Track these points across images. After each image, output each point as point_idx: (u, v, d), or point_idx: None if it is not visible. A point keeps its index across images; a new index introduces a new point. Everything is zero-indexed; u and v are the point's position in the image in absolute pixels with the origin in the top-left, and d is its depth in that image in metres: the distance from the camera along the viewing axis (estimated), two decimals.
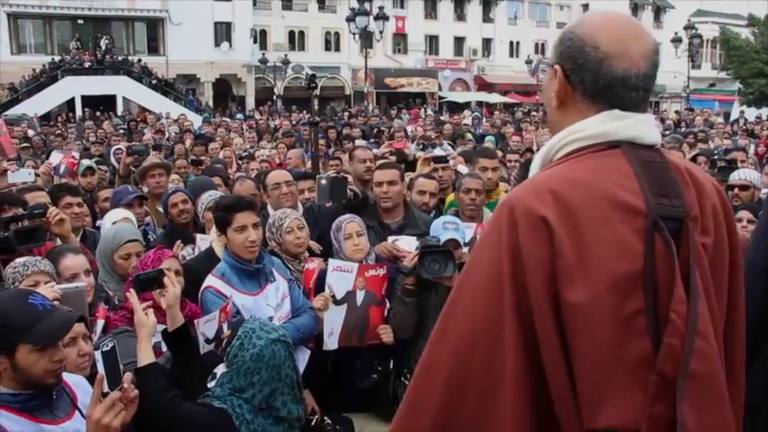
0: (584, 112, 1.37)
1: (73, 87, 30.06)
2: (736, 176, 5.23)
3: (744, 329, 1.43)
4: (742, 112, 24.83)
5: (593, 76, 1.34)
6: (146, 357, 2.61)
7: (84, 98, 29.85)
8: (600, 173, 1.29)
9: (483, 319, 1.27)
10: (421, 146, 10.00)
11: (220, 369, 2.72)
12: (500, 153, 8.65)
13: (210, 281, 3.41)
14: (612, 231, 1.23)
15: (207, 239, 4.21)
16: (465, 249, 4.07)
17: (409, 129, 14.97)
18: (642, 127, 1.36)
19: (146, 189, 5.72)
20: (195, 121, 19.96)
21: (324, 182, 4.33)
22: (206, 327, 2.99)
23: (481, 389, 1.27)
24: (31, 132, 14.50)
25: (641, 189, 1.27)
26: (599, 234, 1.23)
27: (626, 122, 1.34)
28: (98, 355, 2.08)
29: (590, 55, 1.33)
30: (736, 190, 5.04)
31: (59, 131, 15.31)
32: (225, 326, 3.03)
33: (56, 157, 7.96)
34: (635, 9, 44.90)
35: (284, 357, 2.65)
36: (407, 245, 3.96)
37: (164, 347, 3.06)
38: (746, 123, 18.82)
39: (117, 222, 4.15)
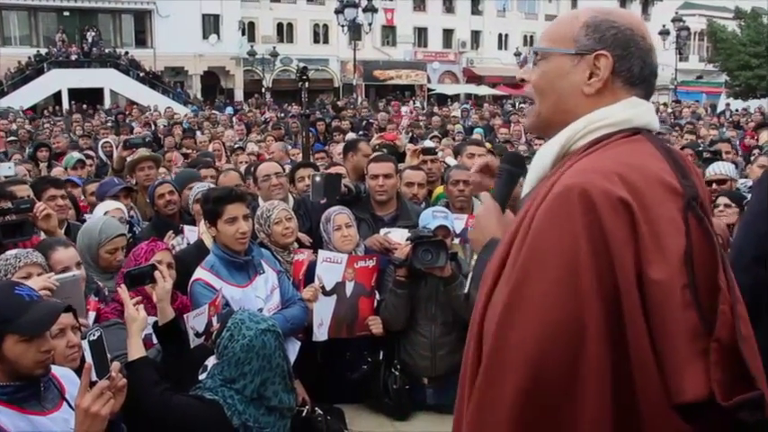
0: (618, 98, 1.41)
1: (59, 80, 29.77)
2: (711, 171, 5.29)
3: None
4: (728, 104, 24.98)
5: (641, 64, 1.41)
6: (136, 351, 2.61)
7: (70, 91, 29.58)
8: (643, 156, 1.34)
9: (559, 311, 1.22)
10: (410, 134, 10.01)
11: (211, 361, 2.72)
12: (488, 145, 8.68)
13: (200, 273, 3.41)
14: (669, 211, 1.28)
15: (194, 231, 4.20)
16: (456, 240, 4.09)
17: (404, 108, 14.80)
18: (652, 115, 1.45)
19: (134, 181, 5.70)
20: (183, 113, 19.86)
21: (318, 179, 4.32)
22: (195, 321, 2.99)
23: (562, 388, 1.22)
24: (27, 127, 14.35)
25: (673, 171, 1.34)
26: (662, 214, 1.27)
27: (641, 110, 1.42)
28: (85, 344, 2.08)
29: (640, 44, 1.41)
30: (714, 185, 5.09)
31: (47, 125, 15.15)
32: (214, 319, 3.03)
33: None
34: (623, 1, 45.01)
35: (274, 347, 2.65)
36: (399, 237, 3.97)
37: (154, 340, 3.05)
38: (732, 115, 18.93)
39: (108, 213, 4.14)
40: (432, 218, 3.90)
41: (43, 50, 31.28)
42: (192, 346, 2.95)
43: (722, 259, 1.31)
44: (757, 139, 9.53)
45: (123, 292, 2.77)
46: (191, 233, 4.23)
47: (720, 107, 23.55)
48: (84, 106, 25.25)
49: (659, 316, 1.23)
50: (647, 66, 1.41)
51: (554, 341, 1.21)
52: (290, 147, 9.19)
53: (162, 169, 6.24)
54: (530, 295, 1.25)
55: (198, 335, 3.00)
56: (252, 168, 5.53)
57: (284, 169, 5.16)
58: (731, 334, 1.24)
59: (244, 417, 2.57)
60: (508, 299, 1.27)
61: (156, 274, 2.87)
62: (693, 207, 1.30)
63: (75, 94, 29.17)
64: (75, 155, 7.15)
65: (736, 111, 20.32)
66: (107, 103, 28.91)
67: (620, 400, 1.22)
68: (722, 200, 4.31)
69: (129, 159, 5.90)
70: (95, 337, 2.07)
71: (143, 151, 5.98)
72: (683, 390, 1.22)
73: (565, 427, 1.23)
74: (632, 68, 1.40)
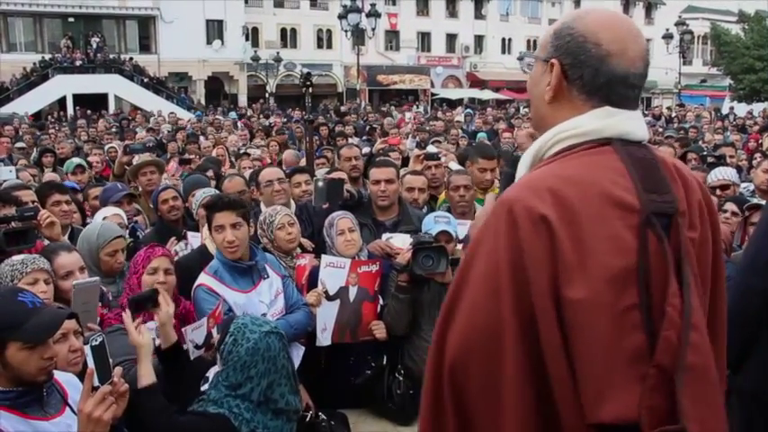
0: (578, 108, 1.39)
1: (64, 86, 29.90)
2: (714, 177, 5.26)
3: (725, 321, 1.47)
4: (732, 107, 24.95)
5: (593, 73, 1.36)
6: (146, 377, 2.59)
7: (75, 97, 29.70)
8: (594, 170, 1.31)
9: (482, 318, 1.27)
10: (416, 138, 10.00)
11: (212, 372, 2.70)
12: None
13: (203, 279, 3.40)
14: (609, 228, 1.25)
15: (198, 237, 4.20)
16: (459, 246, 4.08)
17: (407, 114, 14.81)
18: (632, 123, 1.38)
19: (138, 187, 5.73)
20: (187, 119, 19.93)
21: (321, 184, 4.33)
22: (195, 334, 2.97)
23: (482, 391, 1.28)
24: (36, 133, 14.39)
25: (634, 185, 1.29)
26: (596, 231, 1.24)
27: (616, 119, 1.37)
28: (87, 349, 2.08)
29: (591, 52, 1.36)
30: (717, 191, 5.06)
31: (51, 131, 15.18)
32: (214, 331, 3.01)
33: None
34: (626, 5, 44.99)
35: (278, 348, 2.63)
36: (401, 242, 3.97)
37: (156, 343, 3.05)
38: (736, 119, 18.89)
39: (106, 219, 4.15)
40: (434, 223, 3.89)
41: (48, 56, 31.42)
42: (191, 358, 2.94)
43: (682, 281, 1.26)
44: (760, 143, 9.51)
45: (127, 317, 2.73)
46: (194, 239, 4.23)
47: (725, 111, 23.53)
48: (89, 112, 25.30)
49: (578, 335, 1.22)
50: (601, 74, 1.36)
51: (476, 345, 1.27)
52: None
53: (164, 174, 6.26)
54: (462, 299, 1.32)
55: (198, 347, 2.99)
56: (254, 174, 5.55)
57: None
58: (673, 361, 1.22)
59: (252, 425, 2.54)
60: (447, 301, 1.36)
61: (159, 298, 2.86)
62: (653, 225, 1.26)
63: (80, 99, 29.28)
64: (75, 160, 7.17)
65: (740, 116, 20.23)
66: (111, 108, 29.00)
67: (541, 410, 1.24)
68: (730, 206, 4.24)
69: (132, 164, 5.93)
70: (97, 343, 2.08)
71: (145, 156, 6.00)
72: (599, 411, 1.21)
73: (482, 421, 1.28)
74: (583, 76, 1.37)
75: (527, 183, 1.33)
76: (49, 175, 6.72)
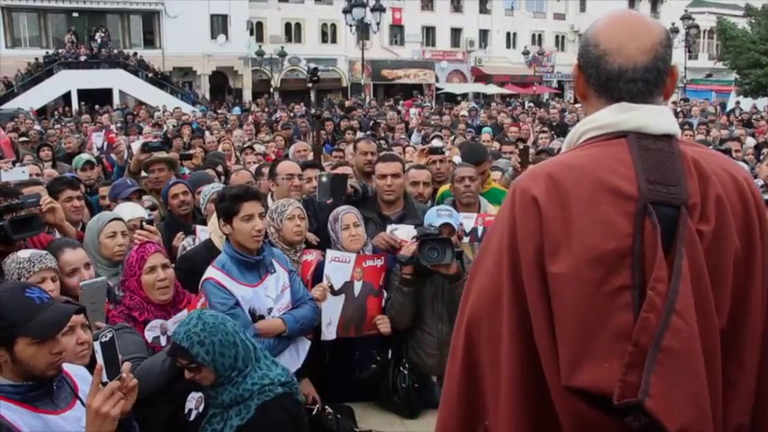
0: (595, 105, 1.50)
1: (69, 81, 29.92)
2: None
3: (760, 318, 1.41)
4: (738, 102, 24.78)
5: (596, 72, 1.47)
6: None
7: (79, 92, 29.73)
8: (597, 159, 1.40)
9: (490, 283, 1.47)
10: (422, 132, 10.00)
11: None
12: (497, 144, 8.67)
13: (211, 272, 3.40)
14: (600, 212, 1.33)
15: (207, 231, 4.20)
16: (466, 239, 4.08)
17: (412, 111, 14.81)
18: (649, 117, 1.42)
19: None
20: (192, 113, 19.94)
21: (324, 179, 4.32)
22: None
23: (488, 344, 1.47)
24: (37, 127, 14.42)
25: (635, 175, 1.35)
26: (586, 213, 1.34)
27: (633, 114, 1.43)
28: (97, 345, 2.08)
29: (592, 53, 1.47)
30: None
31: (57, 126, 15.22)
32: None
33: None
34: (632, 0, 44.81)
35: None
36: (406, 234, 3.97)
37: (163, 342, 3.05)
38: (742, 113, 18.79)
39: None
40: (436, 216, 3.90)
41: (52, 51, 31.44)
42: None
43: (674, 267, 1.28)
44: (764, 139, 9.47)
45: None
46: (203, 233, 4.23)
47: (730, 105, 23.40)
48: (98, 107, 25.31)
49: (558, 305, 1.33)
50: (601, 72, 1.46)
51: (485, 305, 1.48)
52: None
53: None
54: (478, 267, 1.55)
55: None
56: (262, 168, 5.55)
57: None
58: (651, 341, 1.26)
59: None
60: (471, 270, 1.61)
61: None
62: (649, 213, 1.31)
63: (85, 94, 29.30)
64: (84, 156, 7.19)
65: (745, 111, 20.12)
66: (116, 103, 29.02)
67: (532, 366, 1.38)
68: None
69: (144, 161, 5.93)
70: (107, 339, 2.08)
71: (158, 154, 6.00)
72: (573, 376, 1.30)
73: (490, 371, 1.47)
74: (591, 75, 1.49)
75: (533, 168, 1.51)
76: (48, 172, 6.73)
